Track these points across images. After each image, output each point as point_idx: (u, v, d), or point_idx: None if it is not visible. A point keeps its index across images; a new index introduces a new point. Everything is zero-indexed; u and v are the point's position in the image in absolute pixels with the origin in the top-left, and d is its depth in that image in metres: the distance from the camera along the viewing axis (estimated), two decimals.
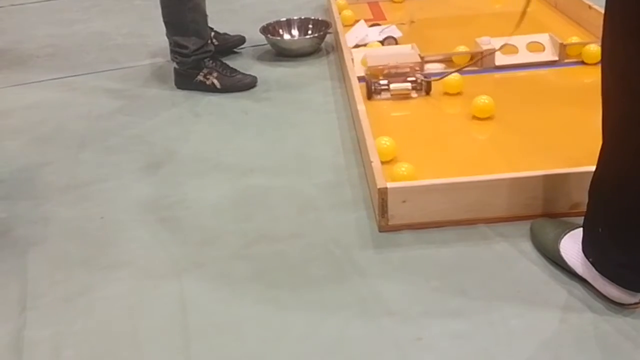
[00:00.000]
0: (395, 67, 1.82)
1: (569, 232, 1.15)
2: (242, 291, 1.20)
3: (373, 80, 1.81)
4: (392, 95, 1.81)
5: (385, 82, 1.81)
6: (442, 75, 1.81)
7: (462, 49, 2.00)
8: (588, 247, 1.08)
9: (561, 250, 1.14)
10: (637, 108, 0.94)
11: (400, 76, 1.82)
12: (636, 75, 0.92)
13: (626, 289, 1.04)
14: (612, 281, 1.05)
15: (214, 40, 2.06)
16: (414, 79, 1.81)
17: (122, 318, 1.16)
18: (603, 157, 1.03)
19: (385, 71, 1.83)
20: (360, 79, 1.82)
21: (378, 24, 2.27)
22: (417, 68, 1.84)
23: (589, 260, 1.08)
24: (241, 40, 2.30)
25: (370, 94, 1.81)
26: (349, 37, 2.15)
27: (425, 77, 1.81)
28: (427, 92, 1.81)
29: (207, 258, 1.29)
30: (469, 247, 1.25)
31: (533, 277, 1.16)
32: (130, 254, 1.32)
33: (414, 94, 1.81)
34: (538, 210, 1.30)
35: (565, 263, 1.14)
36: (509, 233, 1.27)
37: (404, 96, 1.80)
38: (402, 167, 1.41)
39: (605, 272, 1.05)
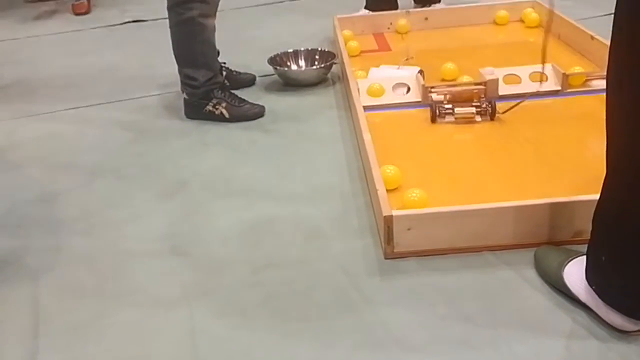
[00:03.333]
0: (459, 92, 1.87)
1: (572, 259, 1.17)
2: (250, 318, 1.21)
3: (437, 104, 1.85)
4: (456, 119, 1.84)
5: (449, 106, 1.85)
6: (521, 99, 1.83)
7: (465, 79, 2.03)
8: (591, 275, 1.10)
9: (565, 277, 1.16)
10: None
11: (465, 101, 1.86)
12: None
13: (628, 317, 1.05)
14: (615, 309, 1.06)
15: (225, 81, 2.11)
16: (478, 103, 1.85)
17: (132, 345, 1.18)
18: (606, 186, 1.05)
19: (449, 95, 1.87)
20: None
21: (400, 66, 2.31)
22: (481, 93, 1.87)
23: (592, 288, 1.09)
24: (252, 79, 2.33)
25: (435, 117, 1.85)
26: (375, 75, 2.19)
27: (489, 102, 1.85)
28: (492, 117, 1.84)
29: (216, 285, 1.31)
30: (474, 274, 1.26)
31: (538, 305, 1.17)
32: (141, 282, 1.35)
33: (478, 118, 1.84)
34: (543, 238, 1.31)
35: (569, 290, 1.15)
36: (514, 261, 1.29)
37: (467, 120, 1.84)
38: (413, 193, 1.43)
39: (607, 299, 1.07)
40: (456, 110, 1.84)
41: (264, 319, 1.21)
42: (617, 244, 1.04)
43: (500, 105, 1.85)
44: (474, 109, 1.84)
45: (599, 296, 1.08)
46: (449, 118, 1.85)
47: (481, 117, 1.84)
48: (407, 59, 2.31)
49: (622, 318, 1.06)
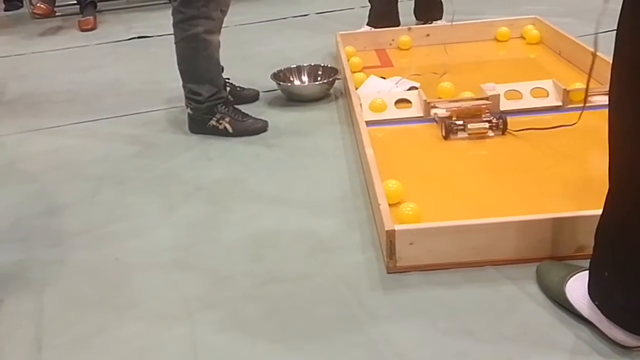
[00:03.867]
0: (467, 107, 1.87)
1: (574, 274, 1.17)
2: (252, 332, 1.21)
3: (449, 121, 1.86)
4: (469, 135, 1.84)
5: (460, 122, 1.85)
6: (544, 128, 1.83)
7: (467, 94, 2.05)
8: (594, 291, 1.10)
9: (567, 292, 1.16)
10: None
11: (476, 116, 1.86)
12: None
13: (631, 333, 1.05)
14: (617, 324, 1.06)
15: (229, 97, 2.12)
16: (489, 118, 1.85)
17: (134, 358, 1.18)
18: (609, 202, 1.05)
19: (457, 112, 1.87)
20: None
21: (383, 77, 2.33)
22: (488, 108, 1.88)
23: (594, 303, 1.09)
24: (256, 95, 2.35)
25: (448, 133, 1.85)
26: (365, 91, 2.20)
27: (500, 117, 1.85)
28: (504, 131, 1.84)
29: (219, 299, 1.31)
30: (477, 289, 1.27)
31: (540, 320, 1.17)
32: (144, 295, 1.35)
33: (490, 133, 1.84)
34: (545, 252, 1.32)
35: (571, 305, 1.15)
36: (516, 275, 1.29)
37: (480, 135, 1.84)
38: (408, 208, 1.44)
39: (610, 315, 1.07)
40: (469, 126, 1.84)
41: (266, 333, 1.21)
42: (620, 260, 1.04)
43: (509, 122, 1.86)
44: (487, 124, 1.84)
45: (602, 312, 1.08)
46: (461, 134, 1.85)
47: (493, 131, 1.85)
48: (443, 73, 2.32)
49: (624, 334, 1.05)
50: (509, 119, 1.88)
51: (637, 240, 1.01)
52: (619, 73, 0.96)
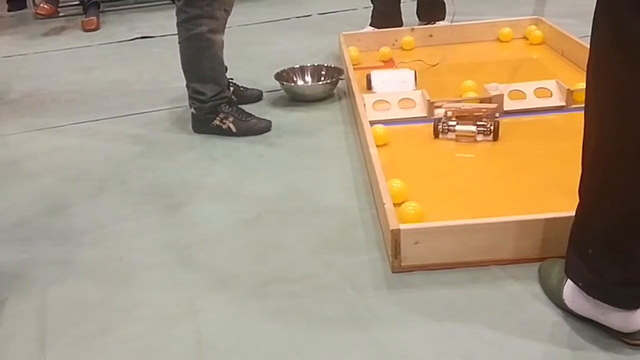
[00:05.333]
0: (468, 110, 1.87)
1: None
2: (257, 332, 1.21)
3: (442, 120, 1.86)
4: (457, 136, 1.84)
5: (454, 122, 1.85)
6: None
7: (471, 94, 2.05)
8: (576, 272, 1.09)
9: (564, 297, 1.15)
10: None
11: (472, 119, 1.84)
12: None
13: (625, 309, 1.03)
14: (608, 303, 1.04)
15: (233, 97, 2.12)
16: (483, 123, 1.83)
17: (138, 358, 1.18)
18: (584, 178, 1.06)
19: (457, 113, 1.87)
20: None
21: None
22: (487, 112, 1.86)
23: (578, 285, 1.08)
24: (259, 95, 2.35)
25: (437, 132, 1.85)
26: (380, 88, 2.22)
27: (493, 122, 1.82)
28: (495, 137, 1.81)
29: (223, 299, 1.31)
30: (481, 288, 1.26)
31: (545, 319, 1.17)
32: (148, 294, 1.35)
33: (479, 137, 1.82)
34: (549, 252, 1.31)
35: (570, 309, 1.14)
36: (521, 275, 1.28)
37: (468, 139, 1.82)
38: (410, 207, 1.43)
39: (599, 295, 1.05)
40: (457, 128, 1.83)
41: (270, 333, 1.21)
42: (605, 232, 1.02)
43: (504, 121, 1.86)
44: (474, 128, 1.82)
45: (588, 293, 1.06)
46: (450, 135, 1.85)
47: (483, 136, 1.82)
48: (436, 64, 2.33)
49: (619, 315, 1.04)
50: (512, 119, 1.88)
51: (618, 210, 1.00)
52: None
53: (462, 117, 1.86)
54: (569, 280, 1.14)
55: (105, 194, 1.79)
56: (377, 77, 2.25)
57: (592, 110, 1.02)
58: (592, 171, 1.04)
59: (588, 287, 1.07)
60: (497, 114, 1.86)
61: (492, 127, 1.82)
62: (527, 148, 1.77)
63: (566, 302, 1.14)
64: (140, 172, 1.90)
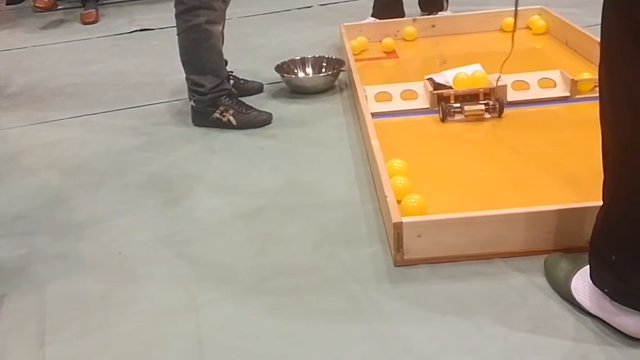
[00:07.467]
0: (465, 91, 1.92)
1: (579, 270, 1.14)
2: (259, 326, 1.20)
3: (446, 104, 1.89)
4: (465, 116, 1.88)
5: (457, 105, 1.89)
6: None
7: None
8: (601, 279, 1.07)
9: (572, 290, 1.13)
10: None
11: (473, 99, 1.90)
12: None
13: None
14: (635, 308, 1.02)
15: (233, 90, 2.10)
16: (486, 101, 1.88)
17: (138, 354, 1.16)
18: (607, 185, 1.03)
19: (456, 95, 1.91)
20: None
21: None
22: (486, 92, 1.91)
23: (604, 292, 1.06)
24: (259, 87, 2.33)
25: (445, 116, 1.88)
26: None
27: (497, 99, 1.88)
28: (500, 114, 1.87)
29: (224, 293, 1.30)
30: (485, 281, 1.25)
31: (550, 312, 1.15)
32: (147, 289, 1.33)
33: (487, 115, 1.87)
34: (554, 244, 1.30)
35: (578, 303, 1.13)
36: (525, 267, 1.27)
37: (476, 117, 1.87)
38: (412, 199, 1.42)
39: (625, 300, 1.04)
40: (466, 107, 1.86)
41: (272, 327, 1.19)
42: (629, 240, 1.01)
43: (508, 112, 1.84)
44: (482, 106, 1.86)
45: (613, 299, 1.05)
46: (458, 116, 1.87)
47: (490, 114, 1.87)
48: (443, 62, 2.30)
49: (636, 322, 1.03)
50: (516, 109, 1.86)
51: None
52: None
53: (465, 99, 1.89)
54: (579, 276, 1.12)
55: (105, 187, 1.78)
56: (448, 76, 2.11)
57: (606, 112, 1.00)
58: (613, 178, 1.02)
59: (614, 294, 1.05)
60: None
61: (497, 104, 1.87)
62: (531, 139, 1.75)
63: (577, 299, 1.12)
64: (140, 165, 1.88)
